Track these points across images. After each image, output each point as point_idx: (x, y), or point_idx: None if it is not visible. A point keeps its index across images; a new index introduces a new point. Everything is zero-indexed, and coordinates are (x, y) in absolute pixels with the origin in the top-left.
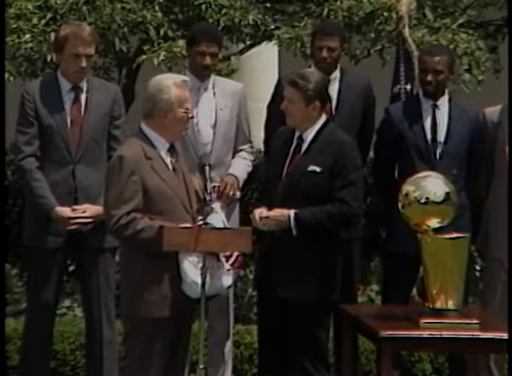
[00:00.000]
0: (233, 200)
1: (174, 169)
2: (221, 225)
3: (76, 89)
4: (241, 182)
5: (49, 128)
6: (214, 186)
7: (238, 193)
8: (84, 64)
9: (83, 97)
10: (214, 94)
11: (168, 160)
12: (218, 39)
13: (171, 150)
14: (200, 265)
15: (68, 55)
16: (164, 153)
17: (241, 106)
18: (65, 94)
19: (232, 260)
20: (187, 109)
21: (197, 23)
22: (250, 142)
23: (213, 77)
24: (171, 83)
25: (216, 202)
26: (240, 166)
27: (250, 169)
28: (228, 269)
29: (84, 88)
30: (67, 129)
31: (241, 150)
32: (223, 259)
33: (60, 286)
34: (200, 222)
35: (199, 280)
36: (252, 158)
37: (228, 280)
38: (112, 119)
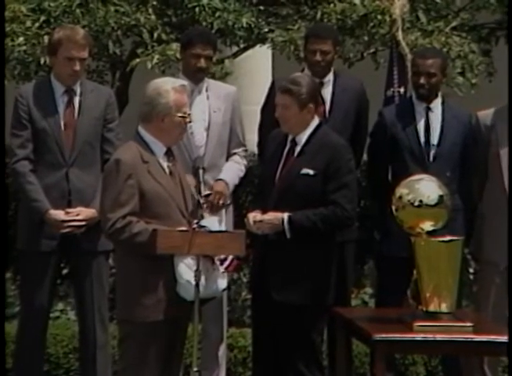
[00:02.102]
0: (223, 207)
1: (170, 173)
2: (217, 227)
3: (69, 92)
4: (231, 187)
5: (43, 131)
6: (206, 195)
7: (228, 201)
8: (77, 67)
9: (76, 100)
10: (208, 97)
11: (165, 164)
12: (213, 42)
13: (168, 153)
14: (196, 268)
15: (61, 58)
16: (160, 157)
17: (234, 109)
18: (58, 97)
19: (226, 263)
20: (185, 113)
21: (192, 27)
22: (244, 145)
23: (206, 81)
24: (170, 87)
25: (206, 212)
26: (232, 171)
27: (242, 174)
28: (223, 272)
29: (78, 92)
30: (61, 132)
31: (234, 154)
32: (218, 262)
33: (54, 289)
34: (195, 225)
35: (193, 282)
36: (245, 162)
37: (223, 282)
38: (105, 122)
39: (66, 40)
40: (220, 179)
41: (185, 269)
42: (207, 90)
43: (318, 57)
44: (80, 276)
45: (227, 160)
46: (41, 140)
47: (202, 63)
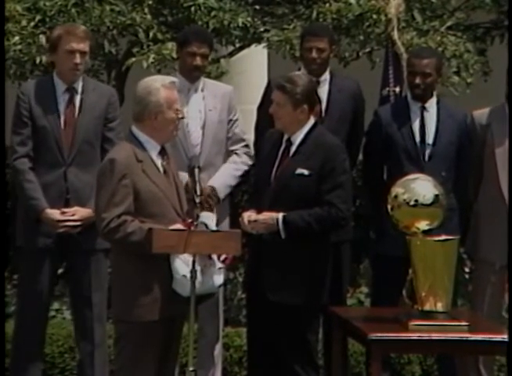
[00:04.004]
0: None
1: (165, 172)
2: (213, 224)
3: (71, 90)
4: (224, 191)
5: (43, 129)
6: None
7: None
8: (78, 60)
9: (77, 98)
10: (204, 96)
11: (159, 162)
12: (209, 41)
13: (162, 152)
14: (192, 267)
15: (62, 52)
16: (155, 156)
17: (230, 108)
18: (59, 95)
19: (223, 257)
20: (177, 110)
21: (188, 25)
22: (243, 140)
23: (202, 80)
24: (159, 85)
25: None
26: (224, 174)
27: (238, 173)
28: (220, 268)
29: (79, 90)
30: (60, 131)
31: (233, 152)
32: (214, 257)
33: (52, 287)
34: (192, 221)
35: (189, 277)
36: (244, 159)
37: (219, 278)
38: (106, 121)
39: (66, 34)
40: (209, 185)
41: (181, 264)
42: (203, 89)
43: (314, 54)
44: (78, 273)
45: (228, 156)
46: (40, 138)
47: (198, 61)
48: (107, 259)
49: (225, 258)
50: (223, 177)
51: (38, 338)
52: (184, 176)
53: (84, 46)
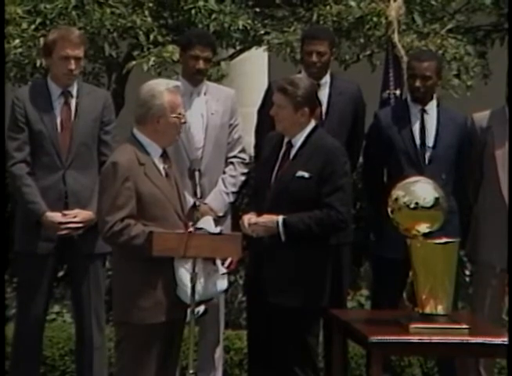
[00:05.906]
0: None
1: (166, 175)
2: (213, 226)
3: (66, 94)
4: (223, 209)
5: (39, 134)
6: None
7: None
8: (73, 66)
9: (73, 102)
10: (207, 99)
11: (161, 166)
12: (212, 44)
13: (164, 155)
14: (192, 270)
15: (57, 58)
16: (156, 159)
17: (232, 112)
18: (55, 99)
19: (228, 262)
20: (179, 114)
21: (188, 29)
22: (240, 144)
23: (205, 83)
24: (163, 88)
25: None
26: (221, 192)
27: (235, 188)
28: (224, 273)
29: (74, 94)
30: (57, 134)
31: (229, 160)
32: (218, 262)
33: (51, 292)
34: (191, 229)
35: (190, 284)
36: (240, 170)
37: (223, 283)
38: (102, 124)
39: (61, 39)
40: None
41: (186, 274)
42: (205, 92)
43: (314, 58)
44: (77, 278)
45: (225, 163)
46: (37, 142)
47: (201, 64)
48: (105, 264)
49: (230, 264)
50: (221, 197)
51: (38, 341)
52: (189, 200)
53: (79, 52)
